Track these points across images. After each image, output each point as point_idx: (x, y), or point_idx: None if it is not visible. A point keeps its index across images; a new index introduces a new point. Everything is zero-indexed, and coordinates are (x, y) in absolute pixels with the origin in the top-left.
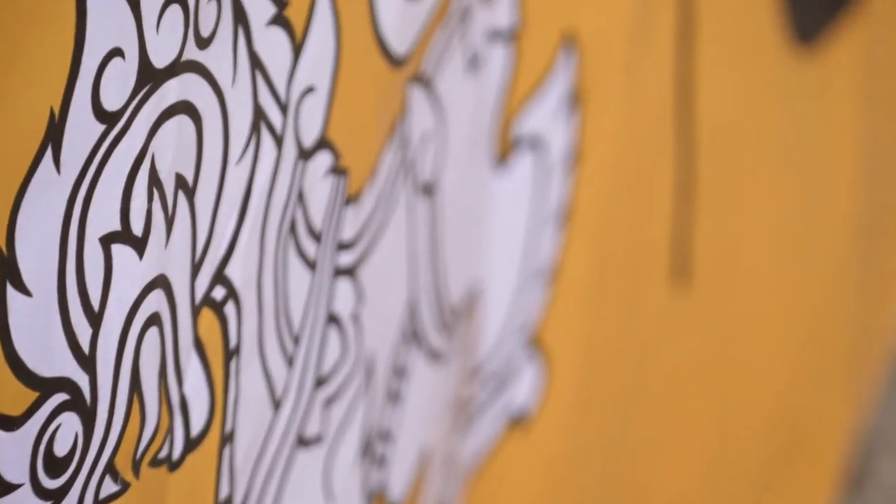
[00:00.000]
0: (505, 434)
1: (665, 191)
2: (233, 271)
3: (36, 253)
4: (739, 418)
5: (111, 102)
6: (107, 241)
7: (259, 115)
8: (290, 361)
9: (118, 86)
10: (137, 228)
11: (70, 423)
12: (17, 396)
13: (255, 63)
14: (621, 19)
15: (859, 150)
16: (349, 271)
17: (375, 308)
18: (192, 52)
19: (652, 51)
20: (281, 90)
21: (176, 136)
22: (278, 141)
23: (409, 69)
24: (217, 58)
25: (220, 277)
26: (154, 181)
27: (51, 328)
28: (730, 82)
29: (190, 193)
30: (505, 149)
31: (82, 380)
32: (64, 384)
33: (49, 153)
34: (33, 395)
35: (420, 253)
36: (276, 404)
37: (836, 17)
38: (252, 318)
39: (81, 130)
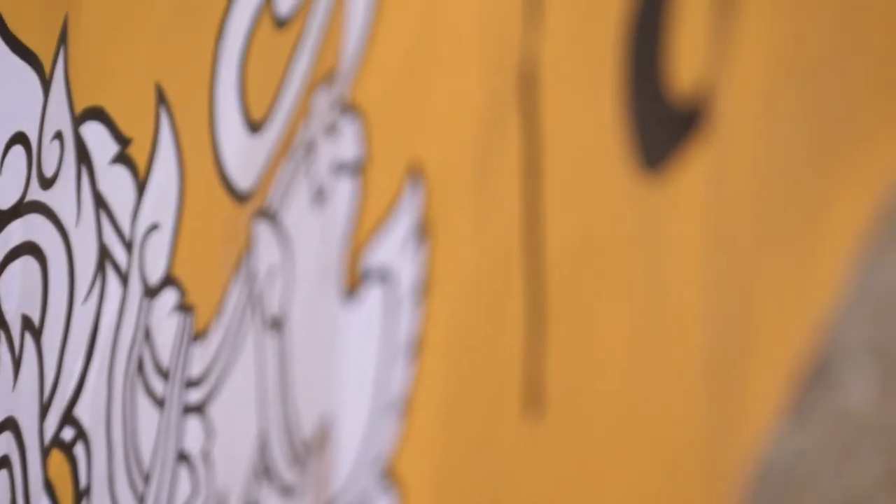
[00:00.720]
0: None
1: (516, 319)
2: (81, 411)
3: None
4: None
5: None
6: None
7: (104, 254)
8: (140, 500)
9: None
10: None
11: None
12: None
13: (100, 202)
14: (467, 149)
15: (707, 273)
16: (198, 408)
17: (226, 445)
18: (35, 193)
19: (498, 179)
20: (125, 228)
21: (21, 277)
22: (124, 279)
23: (254, 203)
24: (61, 198)
25: (68, 418)
26: (0, 323)
27: None
28: (577, 209)
29: (36, 334)
30: (354, 281)
31: None
32: None
33: None
34: None
35: (270, 387)
36: None
37: (682, 141)
38: (102, 458)
39: None
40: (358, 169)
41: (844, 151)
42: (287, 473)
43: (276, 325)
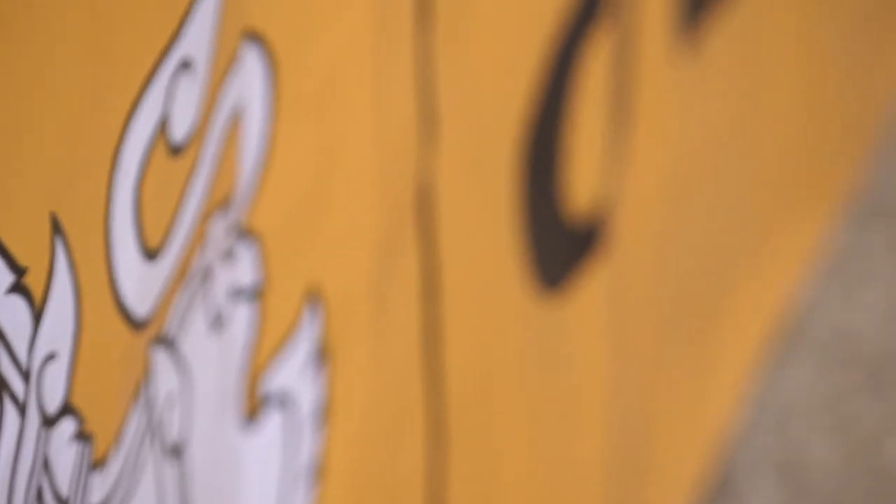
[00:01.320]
0: None
1: (417, 442)
2: None
3: None
4: None
5: None
6: None
7: (1, 385)
8: None
9: None
10: None
11: None
12: None
13: None
14: (364, 272)
15: (607, 389)
16: None
17: None
18: None
19: (397, 301)
20: (22, 358)
21: None
22: (21, 409)
23: (151, 330)
24: None
25: None
26: None
27: None
28: (476, 330)
29: None
30: (253, 406)
31: None
32: None
33: None
34: None
35: None
36: None
37: (580, 259)
38: None
39: None
40: (255, 294)
41: (742, 264)
42: None
43: (176, 451)
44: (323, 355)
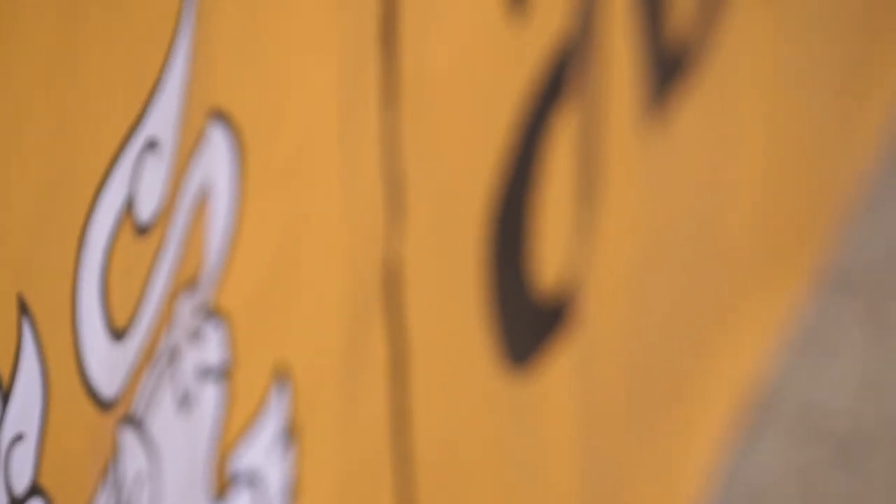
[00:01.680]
0: None
1: None
2: None
3: None
4: None
5: None
6: None
7: None
8: None
9: None
10: None
11: None
12: None
13: None
14: (333, 351)
15: (577, 466)
16: None
17: None
18: None
19: (365, 380)
20: None
21: None
22: None
23: (118, 411)
24: None
25: None
26: None
27: None
28: (445, 408)
29: None
30: (222, 486)
31: None
32: None
33: None
34: None
35: None
36: None
37: (548, 336)
38: None
39: None
40: (223, 374)
41: (712, 339)
42: None
43: None
44: (291, 434)
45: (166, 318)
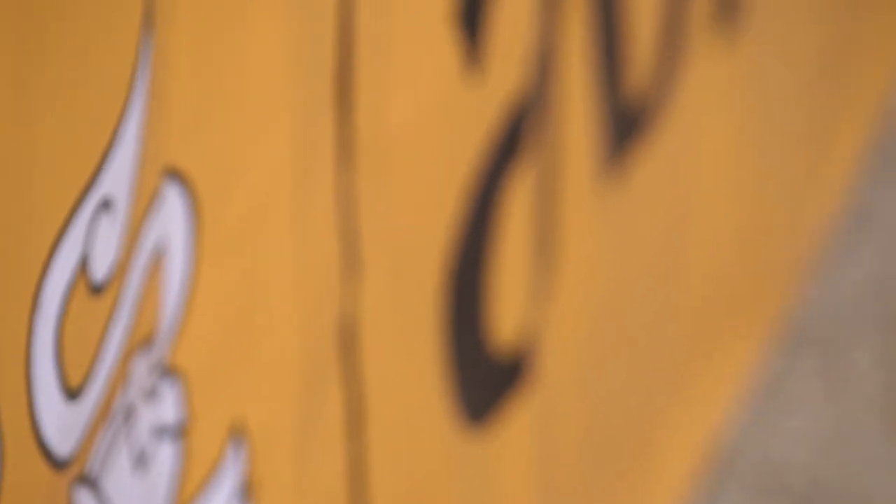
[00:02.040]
0: None
1: None
2: None
3: None
4: None
5: None
6: None
7: None
8: None
9: None
10: None
11: None
12: None
13: None
14: (289, 408)
15: None
16: None
17: None
18: None
19: (322, 437)
20: None
21: None
22: None
23: (73, 470)
24: None
25: None
26: None
27: None
28: (402, 464)
29: None
30: None
31: None
32: None
33: None
34: None
35: None
36: None
37: (505, 393)
38: None
39: None
40: (179, 432)
41: (670, 395)
42: None
43: None
44: (248, 492)
45: (121, 376)
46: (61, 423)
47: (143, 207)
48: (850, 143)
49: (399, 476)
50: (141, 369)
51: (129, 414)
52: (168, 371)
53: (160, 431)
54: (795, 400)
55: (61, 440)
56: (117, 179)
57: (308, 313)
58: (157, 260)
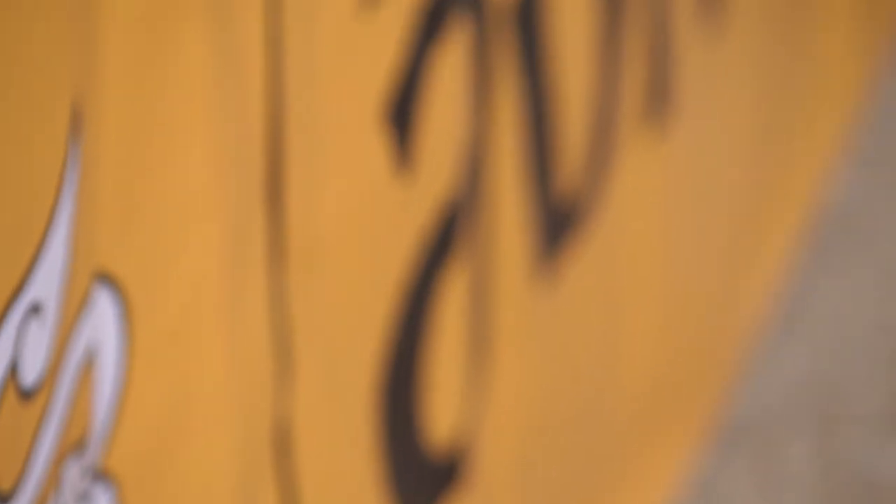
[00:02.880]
0: None
1: None
2: None
3: None
4: None
5: None
6: None
7: None
8: None
9: None
10: None
11: None
12: None
13: None
14: None
15: None
16: None
17: None
18: None
19: None
20: None
21: None
22: None
23: None
24: None
25: None
26: None
27: None
28: None
29: None
30: None
31: None
32: None
33: None
34: None
35: None
36: None
37: (440, 494)
38: None
39: None
40: None
41: (605, 494)
42: None
43: None
44: None
45: (53, 480)
46: None
47: (74, 311)
48: (782, 235)
49: None
50: (73, 473)
51: None
52: (101, 475)
53: None
54: (727, 499)
55: None
56: (47, 283)
57: (241, 416)
58: (89, 364)
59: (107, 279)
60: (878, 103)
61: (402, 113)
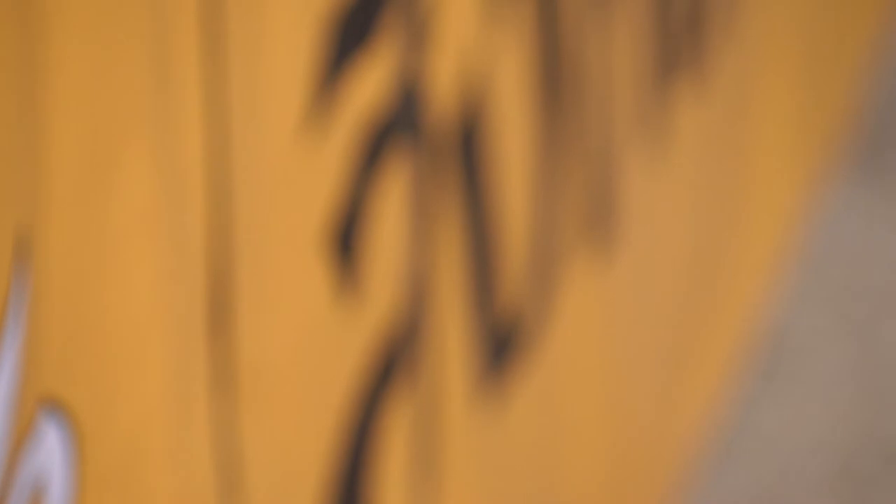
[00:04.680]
0: None
1: None
2: None
3: None
4: None
5: None
6: None
7: None
8: None
9: None
10: None
11: None
12: None
13: None
14: None
15: None
16: None
17: None
18: None
19: None
20: None
21: None
22: None
23: None
24: None
25: None
26: None
27: None
28: None
29: None
30: None
31: None
32: None
33: None
34: None
35: None
36: None
37: None
38: None
39: None
40: None
41: None
42: None
43: None
44: None
45: None
46: None
47: (21, 441)
48: (720, 357)
49: None
50: None
51: None
52: None
53: None
54: None
55: None
56: None
57: None
58: (37, 496)
59: (54, 407)
60: (815, 227)
61: (345, 239)
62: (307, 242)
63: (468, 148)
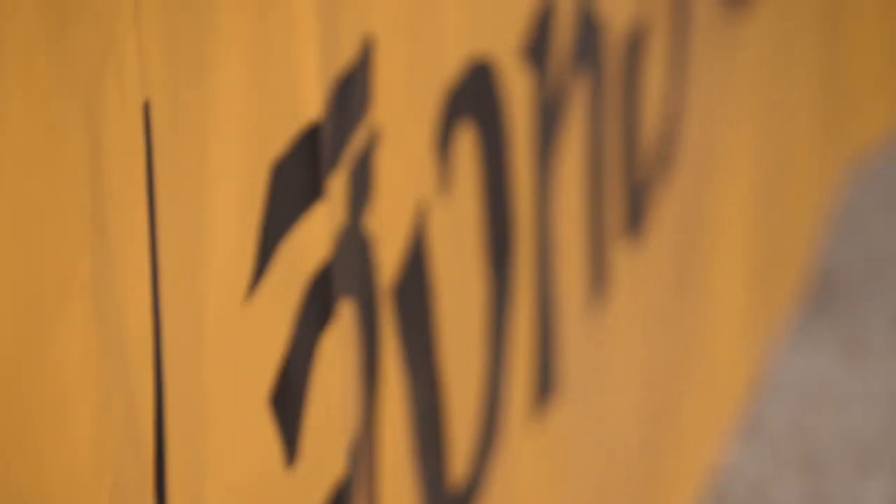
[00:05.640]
0: None
1: None
2: None
3: None
4: None
5: None
6: None
7: None
8: None
9: None
10: None
11: None
12: None
13: None
14: None
15: None
16: None
17: None
18: None
19: None
20: None
21: None
22: None
23: None
24: None
25: None
26: None
27: None
28: None
29: None
30: None
31: None
32: None
33: None
34: None
35: None
36: None
37: None
38: None
39: None
40: None
41: None
42: None
43: None
44: None
45: None
46: None
47: None
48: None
49: None
50: None
51: None
52: None
53: None
54: None
55: None
56: None
57: None
58: None
59: None
60: (769, 374)
61: (287, 400)
62: (249, 402)
63: (408, 301)
